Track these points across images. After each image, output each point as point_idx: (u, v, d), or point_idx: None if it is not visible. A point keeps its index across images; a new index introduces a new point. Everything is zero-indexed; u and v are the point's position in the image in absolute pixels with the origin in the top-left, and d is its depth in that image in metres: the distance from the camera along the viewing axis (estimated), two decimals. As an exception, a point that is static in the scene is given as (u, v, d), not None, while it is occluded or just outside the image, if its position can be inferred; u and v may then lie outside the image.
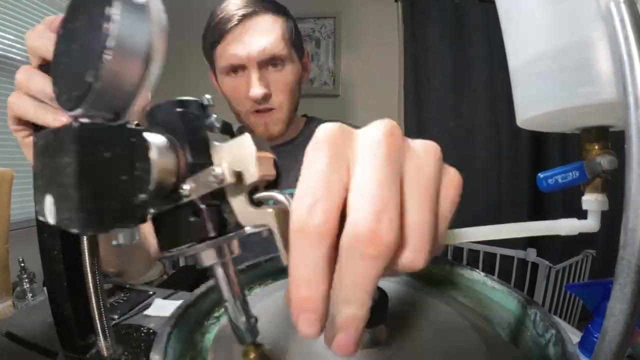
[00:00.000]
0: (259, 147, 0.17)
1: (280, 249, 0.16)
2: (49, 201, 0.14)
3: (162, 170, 0.16)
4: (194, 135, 0.18)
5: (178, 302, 0.26)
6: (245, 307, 0.20)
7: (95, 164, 0.13)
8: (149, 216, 0.17)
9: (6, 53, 1.24)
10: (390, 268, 0.14)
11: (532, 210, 1.69)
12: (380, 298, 0.23)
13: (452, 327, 0.27)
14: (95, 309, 0.28)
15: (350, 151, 0.15)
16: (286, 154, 0.72)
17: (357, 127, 0.17)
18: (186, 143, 0.17)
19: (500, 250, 1.50)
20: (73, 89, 0.14)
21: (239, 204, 0.18)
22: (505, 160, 1.70)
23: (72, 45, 0.14)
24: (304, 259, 0.14)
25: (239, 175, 0.17)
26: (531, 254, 1.44)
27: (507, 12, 0.22)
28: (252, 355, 0.19)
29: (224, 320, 0.29)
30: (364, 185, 0.14)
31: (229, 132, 0.21)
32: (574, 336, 0.25)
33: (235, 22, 0.60)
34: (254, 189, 0.18)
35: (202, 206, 0.17)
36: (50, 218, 0.14)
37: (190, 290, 0.30)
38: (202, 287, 0.29)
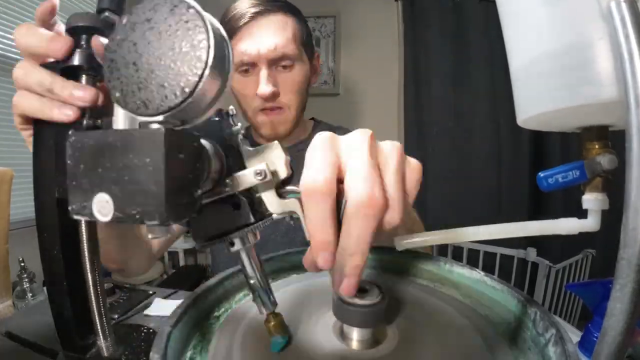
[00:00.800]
0: (285, 152, 0.23)
1: (304, 226, 0.21)
2: (102, 199, 0.15)
3: (213, 170, 0.20)
4: (229, 140, 0.22)
5: (178, 302, 0.26)
6: (266, 281, 0.24)
7: (175, 164, 0.15)
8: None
9: (6, 53, 1.24)
10: (379, 228, 0.20)
11: (532, 210, 1.69)
12: (380, 298, 0.23)
13: (452, 326, 0.27)
14: (95, 309, 0.28)
15: (339, 148, 0.22)
16: (295, 155, 0.71)
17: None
18: (224, 147, 0.22)
19: (500, 250, 1.50)
20: (153, 99, 0.15)
21: (269, 197, 0.22)
22: (505, 160, 1.70)
23: (144, 58, 0.16)
24: (315, 213, 0.20)
25: (274, 174, 0.22)
26: (531, 254, 1.44)
27: (508, 12, 0.22)
28: (272, 322, 0.24)
29: (224, 319, 0.29)
30: (358, 169, 0.20)
31: (247, 137, 0.25)
32: (574, 336, 0.25)
33: (247, 20, 0.61)
34: (278, 184, 0.23)
35: (243, 198, 0.22)
36: (102, 215, 0.15)
37: (190, 290, 0.30)
38: (202, 287, 0.30)
